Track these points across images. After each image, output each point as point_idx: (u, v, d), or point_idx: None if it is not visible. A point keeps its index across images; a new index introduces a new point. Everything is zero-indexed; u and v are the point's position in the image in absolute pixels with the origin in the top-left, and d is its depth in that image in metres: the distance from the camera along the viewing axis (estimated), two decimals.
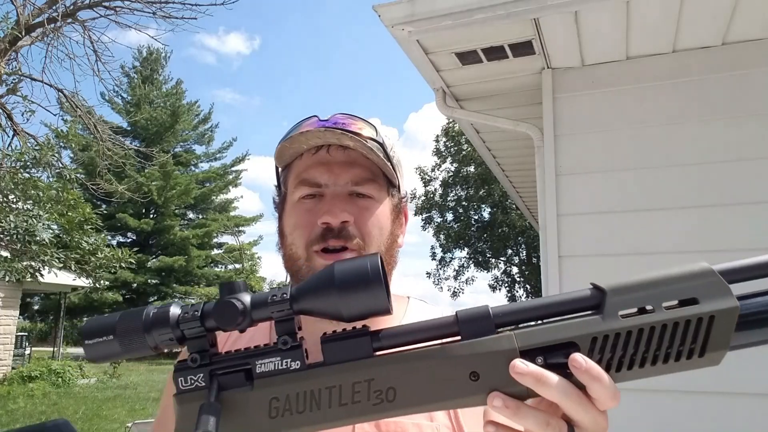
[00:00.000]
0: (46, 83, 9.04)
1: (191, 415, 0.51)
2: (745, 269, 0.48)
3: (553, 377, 0.46)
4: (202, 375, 0.53)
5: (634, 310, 0.48)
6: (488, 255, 23.50)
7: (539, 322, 0.50)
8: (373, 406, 0.50)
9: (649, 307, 0.47)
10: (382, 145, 0.82)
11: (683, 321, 0.46)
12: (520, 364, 0.47)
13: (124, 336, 0.53)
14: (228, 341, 0.87)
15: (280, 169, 0.88)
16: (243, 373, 0.53)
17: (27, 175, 7.14)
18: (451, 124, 21.48)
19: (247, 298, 0.53)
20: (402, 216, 0.88)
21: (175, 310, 0.54)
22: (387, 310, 0.51)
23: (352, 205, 0.79)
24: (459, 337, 0.51)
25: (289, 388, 0.52)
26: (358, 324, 0.53)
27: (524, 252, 23.10)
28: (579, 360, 0.46)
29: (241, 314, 0.52)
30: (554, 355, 0.48)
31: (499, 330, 0.50)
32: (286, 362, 0.53)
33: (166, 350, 0.55)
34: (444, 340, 0.51)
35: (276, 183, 0.90)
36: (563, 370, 0.47)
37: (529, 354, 0.48)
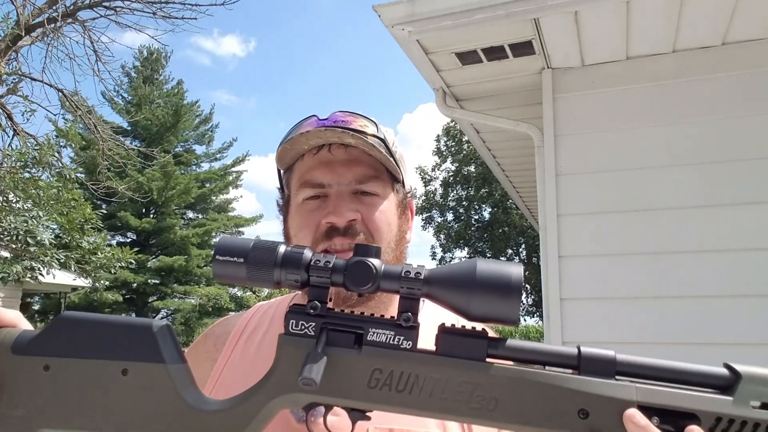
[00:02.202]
0: (46, 83, 9.04)
1: (294, 360, 0.52)
2: None
3: None
4: (314, 324, 0.53)
5: (760, 403, 0.47)
6: (488, 255, 23.50)
7: (662, 383, 0.49)
8: (471, 409, 0.50)
9: None
10: (383, 140, 0.81)
11: None
12: (638, 416, 0.46)
13: (255, 264, 0.54)
14: (237, 345, 0.85)
15: (282, 172, 0.87)
16: (354, 335, 0.53)
17: (27, 175, 7.14)
18: (452, 124, 21.49)
19: (379, 263, 0.53)
20: (408, 211, 0.87)
21: (308, 254, 0.54)
22: (515, 322, 0.51)
23: (357, 203, 0.78)
24: (575, 371, 0.50)
25: (395, 364, 0.52)
26: (478, 326, 0.53)
27: (524, 252, 23.09)
28: (636, 417, 0.46)
29: (373, 278, 0.52)
30: (669, 421, 0.47)
31: (619, 378, 0.49)
32: (399, 339, 0.52)
33: (286, 287, 0.56)
34: (560, 369, 0.51)
35: (278, 185, 0.89)
36: None
37: (644, 411, 0.47)
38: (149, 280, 24.13)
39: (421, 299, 0.86)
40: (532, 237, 20.85)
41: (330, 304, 0.56)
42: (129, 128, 25.78)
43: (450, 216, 23.55)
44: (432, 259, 24.00)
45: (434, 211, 23.38)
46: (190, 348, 0.92)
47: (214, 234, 26.58)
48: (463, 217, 23.15)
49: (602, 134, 2.82)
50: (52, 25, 8.73)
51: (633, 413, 0.46)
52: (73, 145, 11.11)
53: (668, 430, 0.47)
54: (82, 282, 11.90)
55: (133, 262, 8.77)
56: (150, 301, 24.63)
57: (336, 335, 0.53)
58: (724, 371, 0.49)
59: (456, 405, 0.50)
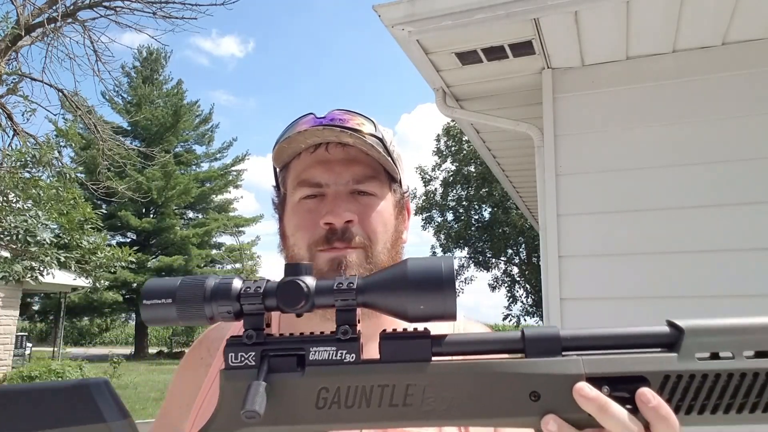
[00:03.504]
0: (46, 83, 9.04)
1: (237, 393, 0.50)
2: None
3: (617, 407, 0.45)
4: (253, 354, 0.52)
5: (709, 354, 0.47)
6: (488, 255, 23.50)
7: (608, 351, 0.49)
8: (424, 413, 0.49)
9: (727, 354, 0.46)
10: (381, 140, 0.80)
11: (764, 372, 0.45)
12: (586, 388, 0.45)
13: (184, 302, 0.52)
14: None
15: (278, 170, 0.86)
16: (295, 358, 0.52)
17: (27, 175, 7.14)
18: (452, 124, 21.48)
19: (312, 282, 0.52)
20: (405, 211, 0.86)
21: (237, 284, 0.53)
22: (453, 316, 0.50)
23: (354, 204, 0.77)
24: (522, 355, 0.50)
25: (341, 380, 0.50)
26: (420, 326, 0.52)
27: (524, 252, 23.09)
28: (648, 395, 0.45)
29: (305, 297, 0.51)
30: (620, 388, 0.47)
31: (566, 353, 0.49)
32: (342, 353, 0.51)
33: (221, 320, 0.54)
34: (506, 356, 0.50)
35: (274, 184, 0.88)
36: (627, 405, 0.46)
37: (594, 382, 0.47)
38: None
39: None
40: (532, 237, 20.85)
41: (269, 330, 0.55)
42: (129, 128, 25.79)
43: (450, 216, 23.55)
44: None
45: (434, 211, 23.38)
46: (187, 354, 0.92)
47: (214, 234, 26.60)
48: (463, 217, 23.15)
49: (602, 134, 2.82)
50: (52, 25, 8.73)
51: (581, 386, 0.46)
52: (73, 145, 11.11)
53: (621, 396, 0.47)
54: (82, 282, 11.90)
55: (134, 261, 8.76)
56: None
57: (278, 361, 0.52)
58: (667, 329, 0.49)
59: (408, 410, 0.49)
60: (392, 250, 0.80)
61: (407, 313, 0.50)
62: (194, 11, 9.38)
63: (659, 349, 0.48)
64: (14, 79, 8.82)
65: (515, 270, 23.45)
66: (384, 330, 0.53)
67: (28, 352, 15.59)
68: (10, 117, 8.62)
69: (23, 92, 8.50)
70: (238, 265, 26.51)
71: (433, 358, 0.50)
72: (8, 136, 8.67)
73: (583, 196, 2.78)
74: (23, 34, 8.29)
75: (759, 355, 0.46)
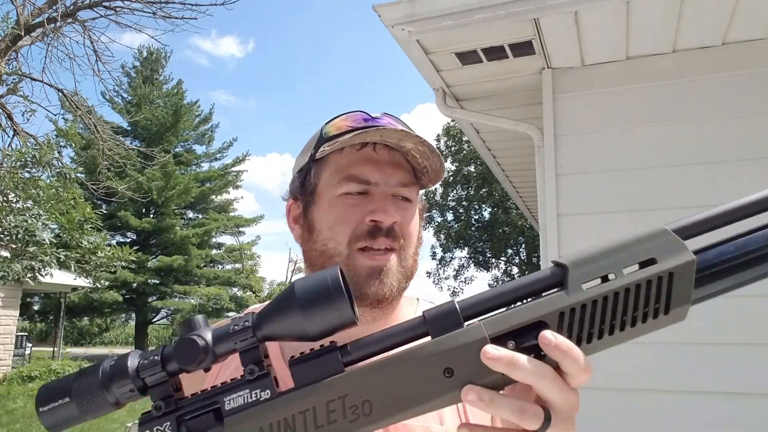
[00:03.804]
0: (46, 83, 9.04)
1: None
2: (696, 224, 0.49)
3: (524, 359, 0.46)
4: (168, 423, 0.51)
5: (598, 280, 0.48)
6: (488, 255, 23.50)
7: (508, 308, 0.50)
8: (351, 422, 0.49)
9: (611, 275, 0.47)
10: (430, 147, 0.79)
11: (644, 282, 0.46)
12: (491, 350, 0.46)
13: (82, 396, 0.51)
14: (220, 372, 0.84)
15: (307, 160, 0.82)
16: (212, 413, 0.51)
17: (27, 175, 7.14)
18: (452, 124, 21.48)
19: (208, 333, 0.51)
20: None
21: (133, 360, 0.52)
22: (353, 322, 0.50)
23: (397, 207, 0.78)
24: (429, 337, 0.50)
25: (262, 419, 0.50)
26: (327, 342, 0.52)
27: (524, 252, 23.09)
28: (548, 336, 0.46)
29: (203, 351, 0.50)
30: (525, 339, 0.48)
31: (468, 323, 0.49)
32: (256, 393, 0.51)
33: (129, 403, 0.52)
34: (414, 343, 0.50)
35: (297, 173, 0.84)
36: (536, 353, 0.47)
37: (500, 340, 0.47)
38: (149, 280, 24.12)
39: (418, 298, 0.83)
40: (532, 237, 20.85)
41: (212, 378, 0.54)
42: (129, 128, 25.78)
43: (450, 216, 23.55)
44: (432, 259, 24.01)
45: (434, 211, 23.37)
46: None
47: (214, 234, 26.59)
48: (463, 217, 23.15)
49: (602, 134, 2.82)
50: (52, 25, 8.73)
51: (486, 349, 0.46)
52: (74, 145, 11.12)
53: (530, 345, 0.48)
54: (82, 282, 11.90)
55: (134, 261, 8.77)
56: (150, 301, 24.63)
57: (195, 421, 0.51)
58: (554, 269, 0.49)
59: (336, 426, 0.49)
60: (414, 256, 0.82)
61: (307, 333, 0.50)
62: (194, 11, 9.39)
63: (553, 291, 0.49)
64: (14, 79, 8.83)
65: (515, 270, 23.46)
66: (292, 356, 0.53)
67: (28, 352, 15.58)
68: (10, 117, 8.63)
69: (23, 92, 8.51)
70: (238, 265, 26.51)
71: (347, 368, 0.50)
72: (8, 136, 8.67)
73: (583, 196, 2.78)
74: (23, 34, 8.29)
75: (641, 266, 0.47)
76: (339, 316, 0.49)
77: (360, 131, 0.75)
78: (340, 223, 0.77)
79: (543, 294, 0.49)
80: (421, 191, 0.86)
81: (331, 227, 0.77)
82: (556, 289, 0.49)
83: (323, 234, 0.78)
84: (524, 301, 0.50)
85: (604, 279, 0.48)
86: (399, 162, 0.80)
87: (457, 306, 0.50)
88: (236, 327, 0.51)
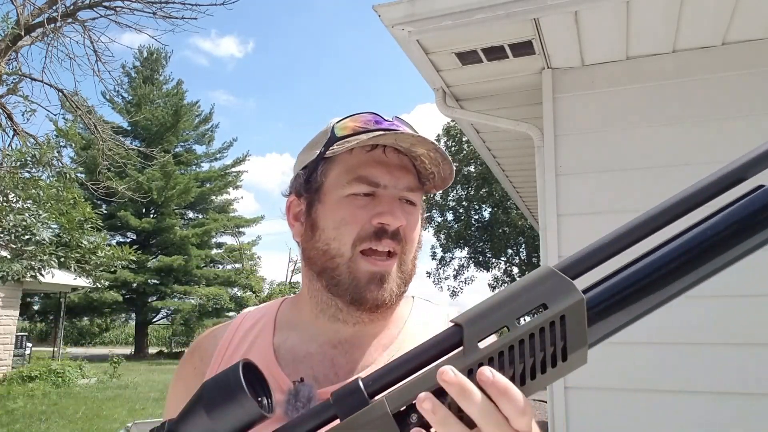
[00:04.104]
0: (46, 83, 9.04)
1: None
2: (582, 260, 0.48)
3: (477, 393, 0.44)
4: None
5: (493, 335, 0.47)
6: (488, 255, 23.51)
7: (412, 376, 0.49)
8: None
9: (504, 328, 0.46)
10: (441, 153, 0.79)
11: (537, 330, 0.45)
12: (449, 372, 0.45)
13: None
14: (224, 357, 0.85)
15: (313, 159, 0.81)
16: None
17: (27, 175, 7.14)
18: (452, 124, 21.49)
19: None
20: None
21: None
22: (261, 417, 0.50)
23: (403, 210, 0.78)
24: (337, 419, 0.50)
25: None
26: None
27: (524, 252, 23.10)
28: (486, 373, 0.44)
29: None
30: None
31: (374, 398, 0.49)
32: None
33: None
34: (327, 426, 0.50)
35: (302, 170, 0.83)
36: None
37: (405, 414, 0.47)
38: (149, 280, 24.14)
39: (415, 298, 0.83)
40: (532, 237, 20.85)
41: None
42: (129, 128, 25.79)
43: (450, 216, 23.56)
44: (432, 259, 24.02)
45: (434, 211, 23.38)
46: (179, 364, 0.91)
47: (214, 234, 26.60)
48: (463, 217, 23.16)
49: (602, 134, 2.82)
50: (52, 25, 8.73)
51: (443, 370, 0.46)
52: (74, 145, 11.13)
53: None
54: (82, 282, 11.90)
55: (134, 261, 8.77)
56: (150, 301, 24.64)
57: None
58: (452, 329, 0.48)
59: None
60: (413, 261, 0.82)
61: None
62: (194, 11, 9.39)
63: (453, 353, 0.48)
64: (14, 79, 8.83)
65: (515, 270, 23.46)
66: None
67: (28, 352, 15.58)
68: (10, 117, 8.63)
69: (23, 92, 8.51)
70: (238, 265, 26.51)
71: None
72: (8, 136, 8.67)
73: (583, 196, 2.78)
74: (23, 34, 8.29)
75: (533, 313, 0.46)
76: (245, 413, 0.49)
77: (376, 133, 0.75)
78: (346, 223, 0.76)
79: (445, 356, 0.48)
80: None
81: (337, 227, 0.77)
82: (456, 351, 0.48)
83: (327, 233, 0.78)
84: (429, 365, 0.49)
85: (500, 332, 0.47)
86: (407, 166, 0.80)
87: (361, 384, 0.49)
88: None
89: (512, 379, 0.45)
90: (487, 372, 0.44)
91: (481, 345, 0.46)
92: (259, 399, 0.51)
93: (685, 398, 2.46)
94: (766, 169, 0.45)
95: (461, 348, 0.47)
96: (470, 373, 0.46)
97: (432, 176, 0.81)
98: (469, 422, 0.45)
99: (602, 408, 2.58)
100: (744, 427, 2.36)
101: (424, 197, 0.87)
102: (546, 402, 2.93)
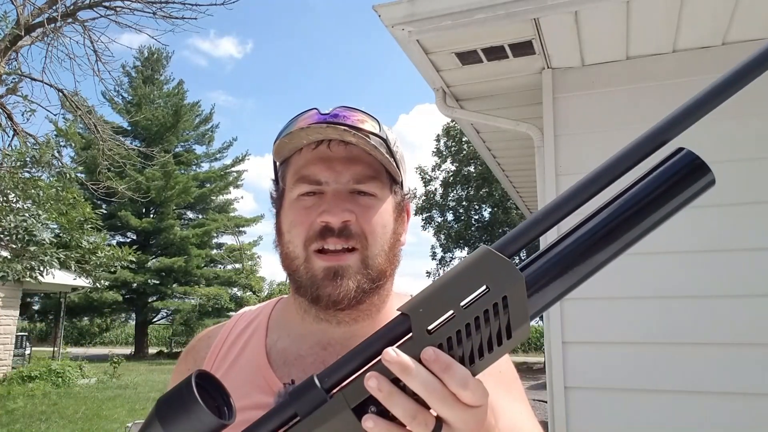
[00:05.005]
0: (46, 83, 9.04)
1: None
2: (517, 237, 0.49)
3: (420, 369, 0.46)
4: None
5: (438, 321, 0.48)
6: None
7: (364, 368, 0.49)
8: None
9: (450, 313, 0.47)
10: (385, 140, 0.78)
11: (482, 312, 0.46)
12: (390, 352, 0.46)
13: None
14: (217, 359, 0.85)
15: (277, 164, 0.84)
16: None
17: (27, 175, 7.14)
18: (452, 124, 21.50)
19: None
20: (404, 213, 0.85)
21: None
22: (221, 426, 0.50)
23: (353, 204, 0.75)
24: (298, 418, 0.50)
25: None
26: None
27: (524, 252, 23.09)
28: (429, 352, 0.46)
29: None
30: None
31: (331, 393, 0.49)
32: None
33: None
34: (288, 425, 0.50)
35: (273, 177, 0.86)
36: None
37: (363, 407, 0.48)
38: (149, 280, 24.12)
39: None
40: None
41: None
42: (129, 128, 25.78)
43: (450, 216, 23.55)
44: (432, 258, 24.01)
45: (434, 211, 23.38)
46: (176, 366, 0.91)
47: (214, 234, 26.59)
48: (463, 217, 23.15)
49: (602, 134, 2.82)
50: (52, 25, 8.74)
51: (386, 351, 0.47)
52: (74, 145, 11.13)
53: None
54: (82, 282, 11.91)
55: (134, 261, 8.77)
56: (150, 301, 24.63)
57: None
58: (400, 318, 0.49)
59: None
60: (390, 252, 0.79)
61: None
62: (194, 11, 9.39)
63: (403, 340, 0.49)
64: (14, 79, 8.83)
65: None
66: None
67: (28, 352, 15.59)
68: (10, 117, 8.63)
69: (23, 92, 8.51)
70: (238, 265, 26.50)
71: None
72: (8, 136, 8.68)
73: None
74: (23, 34, 8.29)
75: (478, 296, 0.47)
76: (201, 424, 0.49)
77: (287, 134, 0.75)
78: (295, 225, 0.76)
79: (395, 345, 0.49)
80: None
81: (289, 230, 0.77)
82: (405, 338, 0.48)
83: (285, 237, 0.78)
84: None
85: (447, 318, 0.47)
86: (357, 157, 0.76)
87: (316, 379, 0.50)
88: None
89: (461, 360, 0.47)
90: (429, 351, 0.46)
91: (429, 330, 0.47)
92: (219, 407, 0.51)
93: (685, 398, 2.46)
94: (686, 130, 0.49)
95: (410, 335, 0.48)
96: (421, 361, 0.47)
97: (389, 162, 0.78)
98: (419, 400, 0.46)
99: (602, 408, 2.58)
100: (744, 427, 2.36)
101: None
102: (546, 402, 2.93)
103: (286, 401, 0.50)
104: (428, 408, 0.47)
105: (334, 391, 0.49)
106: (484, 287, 0.47)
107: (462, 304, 0.47)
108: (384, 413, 0.47)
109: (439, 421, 0.47)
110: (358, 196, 0.76)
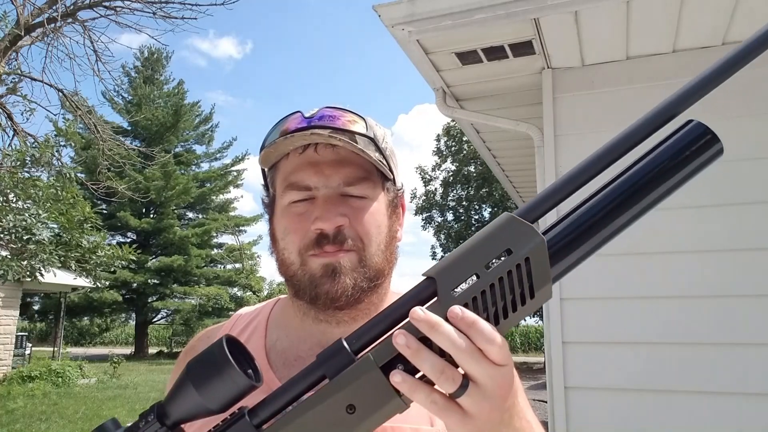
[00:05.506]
0: (46, 83, 9.04)
1: None
2: (538, 203, 0.51)
3: (446, 325, 0.47)
4: None
5: (466, 283, 0.49)
6: None
7: (392, 331, 0.50)
8: None
9: (474, 275, 0.49)
10: (372, 139, 0.77)
11: (506, 273, 0.48)
12: (417, 311, 0.47)
13: None
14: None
15: (266, 169, 0.83)
16: None
17: (27, 175, 7.14)
18: (452, 124, 21.50)
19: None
20: (398, 209, 0.83)
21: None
22: (251, 387, 0.50)
23: (345, 207, 0.74)
24: (327, 380, 0.50)
25: None
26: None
27: None
28: (456, 311, 0.47)
29: None
30: None
31: (360, 355, 0.50)
32: None
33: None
34: (317, 387, 0.51)
35: (263, 183, 0.85)
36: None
37: (390, 366, 0.48)
38: (149, 280, 24.12)
39: None
40: None
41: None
42: (129, 128, 25.78)
43: (450, 216, 23.55)
44: (432, 258, 24.01)
45: (434, 211, 23.38)
46: (175, 365, 0.90)
47: (214, 234, 26.58)
48: (463, 217, 23.15)
49: (602, 134, 2.81)
50: (52, 25, 8.73)
51: (414, 310, 0.48)
52: (73, 144, 11.13)
53: None
54: (82, 281, 11.91)
55: (134, 261, 8.77)
56: (150, 301, 24.62)
57: None
58: (424, 282, 0.50)
59: None
60: (386, 250, 0.78)
61: (211, 410, 0.51)
62: (194, 11, 9.39)
63: (429, 303, 0.50)
64: (14, 78, 8.83)
65: None
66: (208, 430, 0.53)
67: (28, 352, 15.58)
68: (10, 117, 8.63)
69: (23, 92, 8.51)
70: (238, 265, 26.49)
71: (260, 429, 0.51)
72: (8, 136, 8.68)
73: (583, 196, 2.78)
74: (23, 34, 8.29)
75: (499, 259, 0.49)
76: (234, 385, 0.50)
77: (272, 144, 0.74)
78: (289, 232, 0.76)
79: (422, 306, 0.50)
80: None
81: (284, 237, 0.77)
82: (431, 302, 0.50)
83: (279, 244, 0.78)
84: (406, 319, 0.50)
85: (472, 280, 0.49)
86: (345, 158, 0.75)
87: (345, 342, 0.50)
88: (145, 423, 0.52)
89: (486, 319, 0.48)
90: (456, 309, 0.47)
91: (455, 293, 0.49)
92: (245, 370, 0.51)
93: (686, 398, 2.46)
94: (696, 103, 0.51)
95: (436, 298, 0.49)
96: (448, 321, 0.48)
97: (380, 162, 0.77)
98: (446, 356, 0.47)
99: (602, 408, 2.58)
100: (744, 427, 2.36)
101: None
102: (546, 402, 2.93)
103: (314, 364, 0.51)
104: (456, 367, 0.48)
105: (362, 352, 0.50)
106: (506, 250, 0.48)
107: (485, 266, 0.48)
108: (411, 372, 0.48)
109: (466, 378, 0.48)
110: (349, 199, 0.75)
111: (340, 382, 0.49)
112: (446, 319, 0.47)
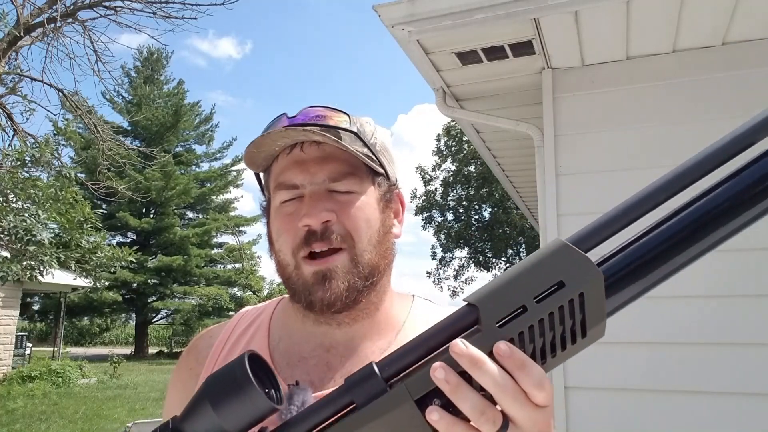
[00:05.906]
0: (46, 83, 9.04)
1: None
2: (595, 232, 0.47)
3: (491, 363, 0.44)
4: None
5: (510, 313, 0.46)
6: (489, 255, 23.49)
7: (428, 358, 0.47)
8: None
9: (521, 307, 0.45)
10: (356, 133, 0.76)
11: (557, 308, 0.44)
12: (459, 344, 0.44)
13: None
14: (219, 358, 0.84)
15: (261, 174, 0.84)
16: None
17: (26, 175, 7.14)
18: (452, 123, 21.50)
19: None
20: (393, 203, 0.82)
21: None
22: (272, 410, 0.48)
23: (332, 203, 0.74)
24: (354, 406, 0.47)
25: None
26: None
27: (524, 252, 23.08)
28: (503, 347, 0.44)
29: None
30: None
31: (391, 383, 0.46)
32: None
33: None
34: (341, 413, 0.48)
35: (260, 187, 0.86)
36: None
37: (426, 400, 0.45)
38: (149, 280, 24.11)
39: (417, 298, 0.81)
40: (532, 237, 20.85)
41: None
42: (129, 128, 25.78)
43: (450, 216, 23.55)
44: (432, 258, 24.01)
45: (434, 210, 23.38)
46: (176, 366, 0.90)
47: (214, 234, 26.58)
48: (463, 217, 23.15)
49: (602, 134, 2.82)
50: (52, 25, 8.73)
51: (455, 343, 0.45)
52: (73, 144, 11.13)
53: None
54: (82, 282, 11.90)
55: (134, 261, 8.77)
56: (150, 301, 24.62)
57: None
58: (466, 309, 0.47)
59: None
60: (379, 245, 0.77)
61: (228, 430, 0.48)
62: (194, 11, 9.39)
63: (470, 331, 0.46)
64: (14, 78, 8.83)
65: None
66: None
67: (28, 352, 15.58)
68: (10, 117, 8.63)
69: (23, 92, 8.50)
70: (238, 265, 26.49)
71: None
72: (8, 136, 8.68)
73: (583, 196, 2.78)
74: (23, 34, 8.29)
75: (550, 291, 0.45)
76: (254, 407, 0.47)
77: (253, 143, 0.75)
78: (281, 233, 0.76)
79: (462, 335, 0.47)
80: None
81: (278, 238, 0.77)
82: (472, 330, 0.46)
83: (275, 246, 0.78)
84: (443, 346, 0.47)
85: (517, 311, 0.45)
86: (330, 155, 0.75)
87: (376, 368, 0.47)
88: None
89: (533, 356, 0.45)
90: (503, 346, 0.44)
91: (499, 325, 0.45)
92: (267, 391, 0.49)
93: (686, 398, 2.46)
94: None
95: (477, 327, 0.46)
96: (491, 354, 0.44)
97: (367, 156, 0.76)
98: (487, 396, 0.44)
99: (602, 408, 2.58)
100: (744, 427, 2.36)
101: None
102: None
103: (342, 388, 0.47)
104: (494, 404, 0.45)
105: (394, 380, 0.47)
106: (558, 282, 0.44)
107: (534, 298, 0.45)
108: (447, 407, 0.44)
109: (505, 418, 0.45)
110: (336, 195, 0.75)
111: (372, 413, 0.46)
112: (489, 354, 0.44)
